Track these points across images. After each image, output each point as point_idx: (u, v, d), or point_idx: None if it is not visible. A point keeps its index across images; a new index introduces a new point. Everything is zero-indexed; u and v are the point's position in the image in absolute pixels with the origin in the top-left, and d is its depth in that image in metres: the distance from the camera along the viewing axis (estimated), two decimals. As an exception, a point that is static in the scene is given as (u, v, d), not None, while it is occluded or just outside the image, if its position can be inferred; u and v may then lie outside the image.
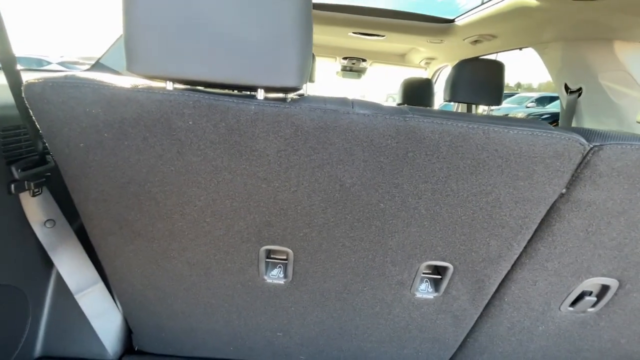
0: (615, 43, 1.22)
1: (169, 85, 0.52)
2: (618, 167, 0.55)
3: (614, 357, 0.88)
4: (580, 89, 1.39)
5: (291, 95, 0.59)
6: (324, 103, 0.53)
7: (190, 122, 0.52)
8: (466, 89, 1.42)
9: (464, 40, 1.91)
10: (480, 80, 1.41)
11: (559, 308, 0.78)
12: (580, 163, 0.55)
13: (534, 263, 0.69)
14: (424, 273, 0.74)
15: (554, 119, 7.07)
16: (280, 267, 0.76)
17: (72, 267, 0.83)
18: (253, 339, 0.89)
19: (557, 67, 1.49)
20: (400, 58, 2.89)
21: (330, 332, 0.86)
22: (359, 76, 3.34)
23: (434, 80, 2.81)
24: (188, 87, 0.56)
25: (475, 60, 1.44)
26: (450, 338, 0.87)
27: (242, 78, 0.50)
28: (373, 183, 0.58)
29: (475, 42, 1.85)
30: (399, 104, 2.17)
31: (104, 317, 0.89)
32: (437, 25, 1.90)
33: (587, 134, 0.56)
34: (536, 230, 0.65)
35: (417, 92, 2.29)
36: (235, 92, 0.60)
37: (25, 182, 0.71)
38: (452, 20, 1.85)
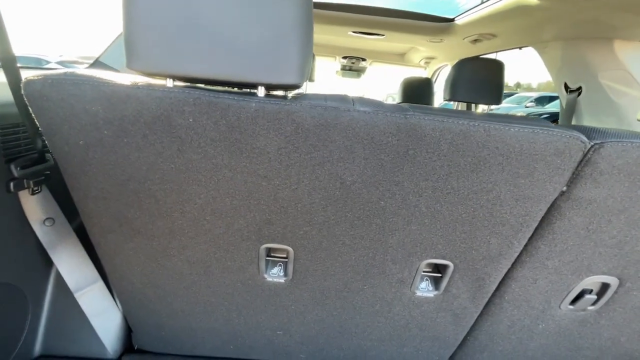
0: (615, 42, 1.22)
1: (169, 83, 0.52)
2: (619, 164, 0.55)
3: (613, 355, 0.88)
4: (580, 88, 1.39)
5: (292, 93, 0.58)
6: (325, 100, 0.53)
7: (191, 120, 0.52)
8: (466, 88, 1.42)
9: (463, 39, 1.91)
10: (480, 79, 1.40)
11: (559, 306, 0.78)
12: (581, 161, 0.55)
13: (535, 261, 0.69)
14: (424, 271, 0.74)
15: (553, 118, 7.08)
16: (280, 265, 0.75)
17: (71, 265, 0.83)
18: (253, 338, 0.89)
19: (557, 66, 1.49)
20: (400, 57, 2.89)
21: (330, 330, 0.86)
22: (358, 75, 3.34)
23: (433, 80, 2.81)
24: (188, 84, 0.56)
25: (475, 59, 1.43)
26: (450, 336, 0.87)
27: (243, 75, 0.50)
28: (373, 181, 0.58)
29: (475, 41, 1.85)
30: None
31: (103, 316, 0.89)
32: (437, 25, 1.90)
33: (588, 132, 0.56)
34: (537, 228, 0.65)
35: (416, 92, 2.29)
36: (235, 89, 0.60)
37: (25, 180, 0.71)
38: (452, 20, 1.85)
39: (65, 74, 0.50)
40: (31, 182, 0.72)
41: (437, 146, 0.54)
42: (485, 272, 0.71)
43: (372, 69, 3.22)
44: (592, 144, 0.54)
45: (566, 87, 1.46)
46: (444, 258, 0.69)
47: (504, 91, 1.48)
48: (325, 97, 0.55)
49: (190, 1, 0.46)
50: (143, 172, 0.58)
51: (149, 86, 0.50)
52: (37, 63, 5.14)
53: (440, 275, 0.75)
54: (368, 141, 0.54)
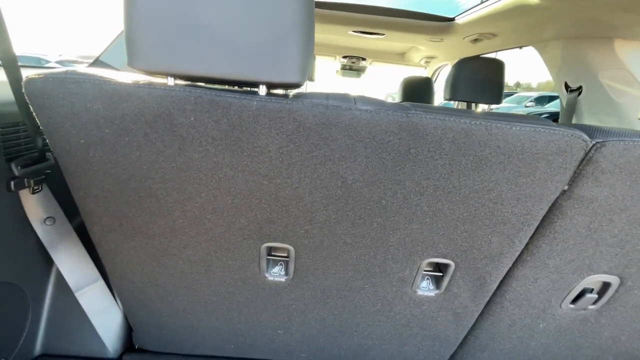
0: (615, 41, 1.22)
1: (171, 81, 0.52)
2: (620, 163, 0.55)
3: (614, 354, 0.88)
4: (580, 87, 1.39)
5: (293, 92, 0.58)
6: (326, 99, 0.53)
7: (192, 118, 0.52)
8: (466, 88, 1.42)
9: (464, 38, 1.91)
10: (480, 78, 1.40)
11: (560, 305, 0.78)
12: (583, 160, 0.55)
13: (536, 260, 0.69)
14: (425, 270, 0.74)
15: (552, 118, 7.06)
16: (281, 264, 0.75)
17: (72, 264, 0.83)
18: (254, 337, 0.89)
19: (557, 66, 1.49)
20: (400, 57, 2.89)
21: (331, 329, 0.86)
22: (358, 75, 3.34)
23: (433, 79, 2.81)
24: (189, 83, 0.55)
25: (475, 58, 1.43)
26: (451, 335, 0.87)
27: (245, 74, 0.50)
28: (375, 180, 0.58)
29: (475, 40, 1.85)
30: None
31: (104, 315, 0.89)
32: (437, 24, 1.90)
33: (590, 131, 0.56)
34: (538, 227, 0.65)
35: (417, 91, 2.29)
36: (237, 88, 0.60)
37: (25, 179, 0.71)
38: (452, 19, 1.85)
39: (66, 72, 0.50)
40: (32, 181, 0.72)
41: (438, 145, 0.54)
42: (486, 271, 0.71)
43: (372, 68, 3.22)
44: (593, 142, 0.54)
45: (566, 86, 1.46)
46: (445, 257, 0.69)
47: (504, 91, 1.48)
48: (327, 96, 0.55)
49: (192, 0, 0.46)
50: (144, 170, 0.58)
51: (150, 85, 0.50)
52: (36, 62, 5.14)
53: (441, 274, 0.75)
54: (369, 140, 0.54)
